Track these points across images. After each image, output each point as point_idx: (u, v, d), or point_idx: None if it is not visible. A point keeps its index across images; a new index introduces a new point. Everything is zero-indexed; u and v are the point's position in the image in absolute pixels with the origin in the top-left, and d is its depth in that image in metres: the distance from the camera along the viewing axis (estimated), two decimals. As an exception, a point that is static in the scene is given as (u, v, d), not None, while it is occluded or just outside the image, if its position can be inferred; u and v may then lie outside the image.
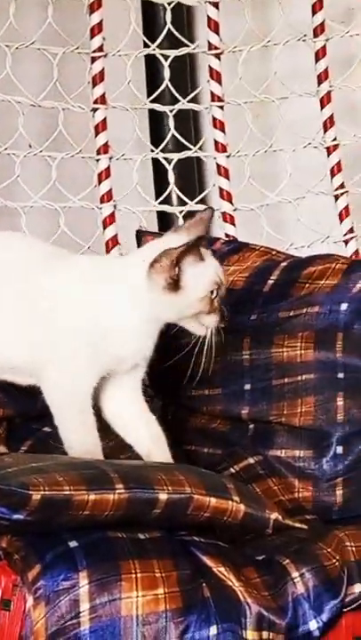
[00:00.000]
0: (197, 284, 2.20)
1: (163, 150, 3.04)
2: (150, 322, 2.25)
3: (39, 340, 2.24)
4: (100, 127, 2.96)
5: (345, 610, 2.03)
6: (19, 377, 2.32)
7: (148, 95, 3.04)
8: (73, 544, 1.92)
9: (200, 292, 2.21)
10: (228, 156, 2.99)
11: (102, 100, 2.95)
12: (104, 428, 2.29)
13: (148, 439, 2.29)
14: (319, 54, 2.99)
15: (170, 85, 3.01)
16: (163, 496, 1.97)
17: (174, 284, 2.19)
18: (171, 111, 3.02)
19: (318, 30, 2.98)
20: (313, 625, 2.01)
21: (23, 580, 1.91)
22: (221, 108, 2.99)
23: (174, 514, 1.99)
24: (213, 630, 1.92)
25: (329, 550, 2.08)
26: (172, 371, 2.37)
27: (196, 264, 2.19)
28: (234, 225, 2.96)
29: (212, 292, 2.22)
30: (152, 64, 3.05)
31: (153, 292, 2.20)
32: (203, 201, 3.04)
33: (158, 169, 3.06)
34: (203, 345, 2.24)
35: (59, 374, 2.24)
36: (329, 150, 2.99)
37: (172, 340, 2.30)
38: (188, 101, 3.04)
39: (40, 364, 2.25)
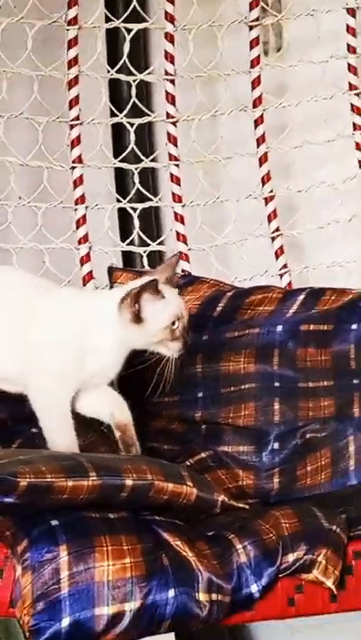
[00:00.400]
0: (156, 317, 2.22)
1: (129, 201, 3.02)
2: (121, 345, 2.26)
3: (27, 356, 2.23)
4: (78, 182, 2.95)
5: (280, 575, 2.02)
6: (10, 386, 2.30)
7: (116, 156, 3.03)
8: (54, 522, 1.92)
9: (160, 323, 2.22)
10: (183, 206, 2.99)
11: (79, 160, 2.94)
12: (82, 428, 2.29)
13: (112, 404, 2.30)
14: (258, 122, 2.99)
15: (135, 148, 3.00)
16: (129, 482, 1.97)
17: (137, 318, 2.20)
18: (135, 169, 3.00)
19: (257, 102, 2.98)
20: (254, 588, 2.00)
21: (13, 553, 1.91)
22: (177, 166, 2.99)
23: (138, 497, 1.99)
24: (171, 593, 1.91)
25: (267, 527, 2.07)
26: (137, 381, 2.36)
27: (155, 300, 2.20)
28: (188, 262, 2.95)
29: (173, 323, 2.22)
30: (119, 130, 3.04)
31: (122, 323, 2.22)
32: (162, 243, 3.04)
33: (125, 216, 3.04)
34: (166, 363, 2.25)
35: (42, 385, 2.23)
36: (266, 200, 2.98)
37: (137, 354, 2.30)
38: (150, 161, 3.02)
39: (28, 375, 2.24)
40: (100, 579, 1.87)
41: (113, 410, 2.30)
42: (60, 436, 2.23)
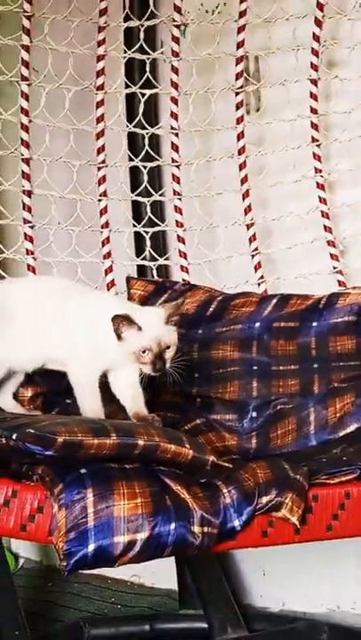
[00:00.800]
0: (129, 342, 2.16)
1: (142, 226, 3.01)
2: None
3: (67, 343, 2.23)
4: (103, 211, 2.94)
5: (256, 513, 2.02)
6: (56, 365, 2.29)
7: (133, 191, 3.02)
8: (83, 471, 1.93)
9: (129, 348, 2.16)
10: (184, 230, 2.98)
11: (104, 194, 2.94)
12: (106, 399, 2.27)
13: (130, 399, 2.27)
14: (242, 166, 2.97)
15: (147, 185, 2.99)
16: (141, 442, 1.96)
17: (118, 336, 2.16)
18: (148, 201, 3.00)
19: (241, 150, 2.97)
20: (236, 523, 2.00)
21: (51, 494, 1.92)
22: (180, 199, 2.98)
23: (148, 454, 1.98)
24: (172, 526, 1.92)
25: (246, 475, 2.07)
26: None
27: (131, 329, 2.15)
28: (188, 273, 2.94)
29: (143, 352, 2.17)
30: (135, 171, 3.03)
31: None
32: (168, 258, 3.03)
33: (139, 238, 3.03)
34: (143, 376, 2.22)
35: (77, 364, 2.23)
36: (248, 226, 2.97)
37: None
38: (159, 195, 3.01)
39: (68, 357, 2.23)
40: (117, 514, 1.88)
41: (131, 405, 2.26)
42: (89, 404, 2.22)
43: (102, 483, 1.90)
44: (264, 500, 2.02)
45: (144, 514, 1.90)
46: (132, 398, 2.26)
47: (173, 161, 2.97)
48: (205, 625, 2.72)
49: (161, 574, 3.23)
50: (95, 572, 3.26)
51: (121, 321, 2.14)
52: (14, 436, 1.89)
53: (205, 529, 1.95)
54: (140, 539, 1.89)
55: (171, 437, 2.02)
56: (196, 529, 1.94)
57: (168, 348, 2.19)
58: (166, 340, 2.19)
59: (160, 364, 2.17)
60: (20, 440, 1.88)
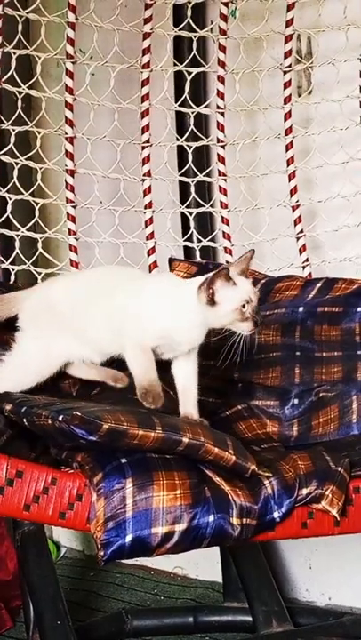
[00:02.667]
0: (227, 301, 2.08)
1: (187, 207, 2.99)
2: (199, 324, 2.13)
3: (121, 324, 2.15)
4: (147, 191, 2.92)
5: (296, 505, 2.01)
6: (103, 354, 2.23)
7: (179, 171, 2.99)
8: (123, 460, 1.92)
9: (230, 306, 2.08)
10: (228, 211, 2.96)
11: (148, 174, 2.92)
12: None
13: (181, 393, 2.20)
14: (288, 146, 2.94)
15: (192, 165, 2.97)
16: (185, 440, 1.93)
17: (211, 301, 2.07)
18: (192, 182, 2.98)
19: (288, 131, 2.94)
20: (276, 514, 1.99)
21: (90, 483, 1.91)
22: (225, 180, 2.96)
23: (190, 453, 1.96)
24: (211, 518, 1.91)
25: (287, 467, 2.06)
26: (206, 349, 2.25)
27: (227, 286, 2.07)
28: (231, 255, 2.92)
29: (243, 306, 2.09)
30: (181, 151, 3.01)
31: (199, 305, 2.09)
32: (212, 240, 3.00)
33: (184, 219, 3.01)
34: (238, 339, 2.12)
35: (132, 336, 2.13)
36: (293, 208, 2.94)
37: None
38: (204, 175, 2.99)
39: (125, 332, 2.14)
40: (156, 505, 1.87)
41: (185, 410, 2.18)
42: (142, 365, 2.11)
43: (142, 473, 1.89)
44: (304, 491, 2.01)
45: (183, 505, 1.89)
46: (185, 396, 2.19)
47: (219, 141, 2.95)
48: (250, 618, 2.69)
49: (205, 566, 3.24)
50: (138, 562, 3.28)
51: (216, 280, 2.06)
52: (61, 418, 1.87)
53: (245, 520, 1.94)
54: (179, 530, 1.88)
55: (216, 440, 1.98)
56: (235, 520, 1.93)
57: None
58: (255, 292, 2.14)
59: (259, 317, 2.12)
60: (66, 422, 1.87)
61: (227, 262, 2.88)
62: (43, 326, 2.23)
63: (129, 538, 1.85)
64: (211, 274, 2.09)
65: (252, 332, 2.11)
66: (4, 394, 2.11)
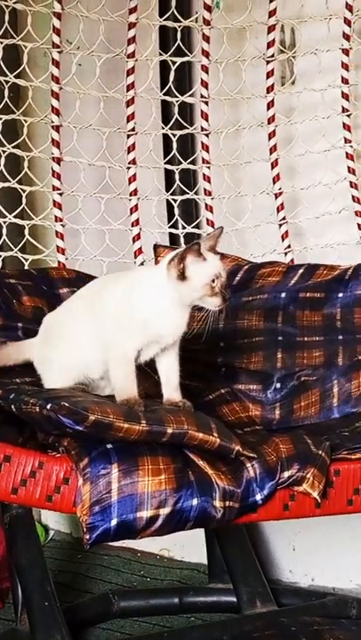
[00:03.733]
0: (197, 275, 2.04)
1: (172, 194, 2.99)
2: (176, 307, 2.09)
3: (106, 334, 2.12)
4: (132, 179, 2.92)
5: (278, 488, 2.02)
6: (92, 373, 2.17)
7: (163, 159, 3.00)
8: (109, 446, 1.92)
9: (201, 280, 2.05)
10: (212, 199, 2.96)
11: (133, 161, 2.92)
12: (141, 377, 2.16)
13: (167, 387, 2.16)
14: (271, 135, 2.95)
15: (177, 153, 2.97)
16: (169, 430, 1.93)
17: (182, 275, 2.04)
18: (177, 169, 2.98)
19: (270, 120, 2.94)
20: (258, 497, 1.99)
21: (76, 468, 1.91)
22: (209, 168, 2.96)
23: (176, 441, 1.95)
24: (195, 501, 1.92)
25: (269, 450, 2.06)
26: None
27: (197, 261, 2.04)
28: (215, 242, 2.92)
29: (213, 281, 2.05)
30: (166, 139, 3.01)
31: (170, 281, 2.05)
32: (196, 226, 3.00)
33: (169, 206, 3.02)
34: (207, 316, 2.08)
35: (115, 347, 2.10)
36: (276, 195, 2.95)
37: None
38: (188, 163, 2.99)
39: (106, 345, 2.12)
40: (141, 490, 1.87)
41: (166, 389, 2.17)
42: (121, 381, 2.09)
43: (128, 459, 1.90)
44: (286, 474, 2.01)
45: (168, 490, 1.89)
46: (168, 380, 2.17)
47: (203, 129, 2.95)
48: (234, 599, 2.70)
49: (190, 548, 3.25)
50: (124, 544, 3.29)
51: (187, 255, 2.03)
52: (49, 406, 1.88)
53: (227, 503, 1.94)
54: (163, 514, 1.88)
55: (199, 425, 1.98)
56: (218, 503, 1.93)
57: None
58: (224, 268, 2.10)
59: (228, 292, 2.08)
60: (54, 411, 1.87)
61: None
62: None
63: (114, 522, 1.85)
64: (181, 249, 2.07)
65: (220, 307, 2.07)
66: None
